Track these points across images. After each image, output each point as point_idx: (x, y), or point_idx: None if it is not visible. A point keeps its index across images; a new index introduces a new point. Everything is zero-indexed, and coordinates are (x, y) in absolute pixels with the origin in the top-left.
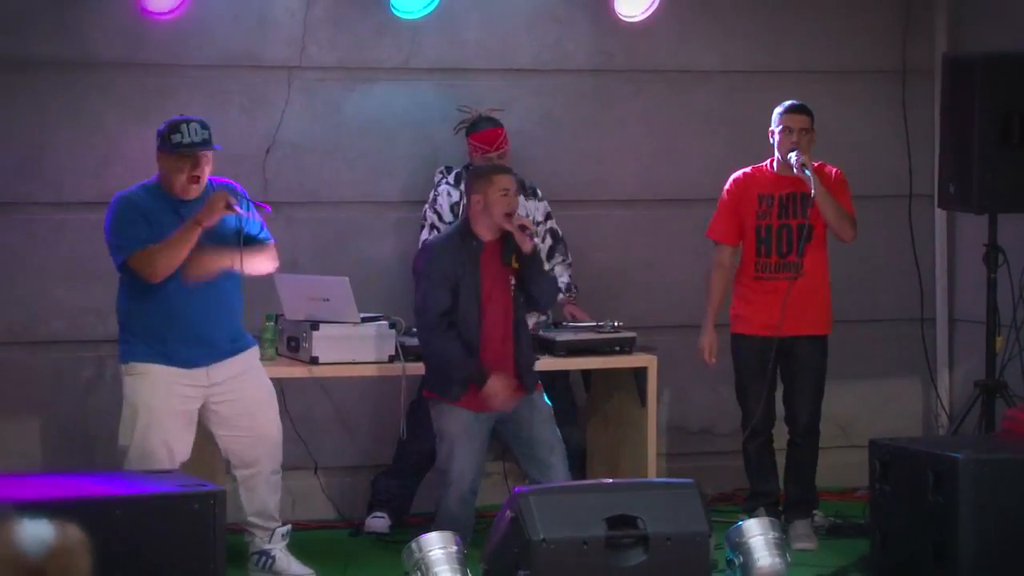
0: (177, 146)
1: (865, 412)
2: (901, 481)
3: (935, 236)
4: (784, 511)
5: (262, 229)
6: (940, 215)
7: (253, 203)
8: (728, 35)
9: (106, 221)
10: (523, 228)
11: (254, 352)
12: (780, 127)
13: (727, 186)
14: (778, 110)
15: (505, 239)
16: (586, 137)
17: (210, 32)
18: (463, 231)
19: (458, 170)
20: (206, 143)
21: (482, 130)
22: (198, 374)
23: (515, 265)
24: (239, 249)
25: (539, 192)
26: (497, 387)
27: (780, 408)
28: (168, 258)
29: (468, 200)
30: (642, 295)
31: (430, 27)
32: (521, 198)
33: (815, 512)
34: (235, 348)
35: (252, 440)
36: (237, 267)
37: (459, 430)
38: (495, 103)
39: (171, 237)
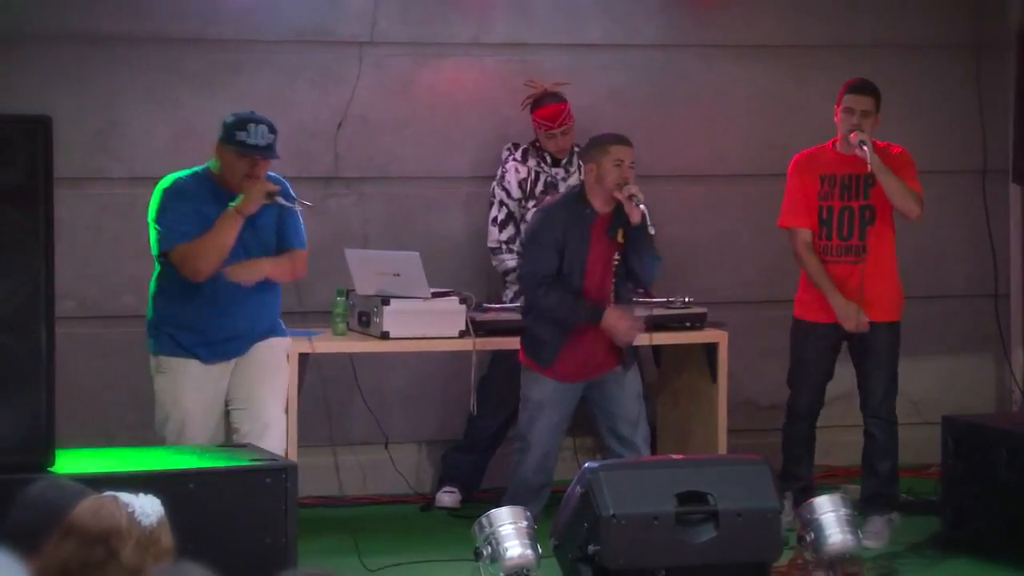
0: (240, 144)
1: (938, 388)
2: (974, 458)
3: (1009, 211)
4: (861, 504)
5: (297, 232)
6: (1015, 190)
7: (296, 200)
8: (799, 9)
9: (151, 204)
10: (631, 197)
11: (276, 343)
12: (843, 106)
13: (789, 169)
14: (843, 88)
15: (617, 212)
16: (655, 112)
17: (281, 7)
18: (578, 198)
19: (525, 146)
20: (270, 150)
21: (545, 106)
22: (226, 365)
23: (620, 240)
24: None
25: None
26: (614, 318)
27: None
28: (212, 256)
29: (584, 169)
30: (712, 271)
31: (499, 2)
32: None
33: (892, 513)
34: (260, 336)
35: (252, 425)
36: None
37: (543, 398)
38: (564, 78)
39: (211, 233)
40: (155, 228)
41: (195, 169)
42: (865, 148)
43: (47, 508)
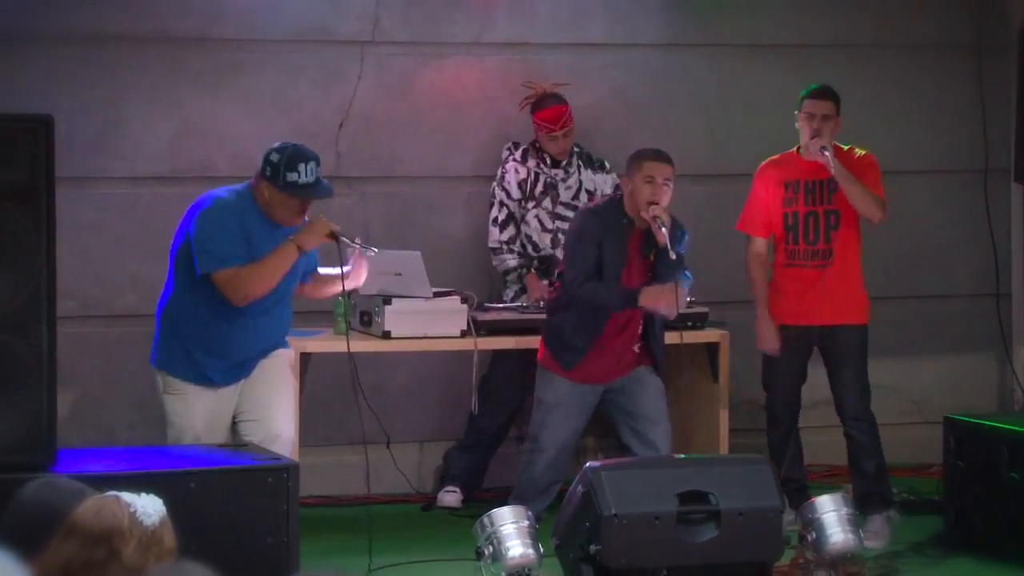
0: (291, 186)
1: (939, 388)
2: (975, 457)
3: (1011, 210)
4: (857, 505)
5: (315, 259)
6: (1016, 189)
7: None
8: (801, 9)
9: (197, 221)
10: (655, 219)
11: (282, 354)
12: (803, 111)
13: (754, 175)
14: (802, 93)
15: (651, 231)
16: (656, 112)
17: (283, 7)
18: (617, 207)
19: (525, 147)
20: (322, 187)
21: (546, 108)
22: (237, 386)
23: (652, 259)
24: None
25: (607, 165)
26: (653, 295)
27: (804, 397)
28: (262, 284)
29: (621, 181)
30: (714, 270)
31: (501, 2)
32: (589, 172)
33: (890, 511)
34: (269, 351)
35: (263, 437)
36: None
37: (557, 400)
38: (565, 78)
39: (267, 260)
40: (205, 246)
41: (236, 189)
42: (827, 154)
43: (43, 508)
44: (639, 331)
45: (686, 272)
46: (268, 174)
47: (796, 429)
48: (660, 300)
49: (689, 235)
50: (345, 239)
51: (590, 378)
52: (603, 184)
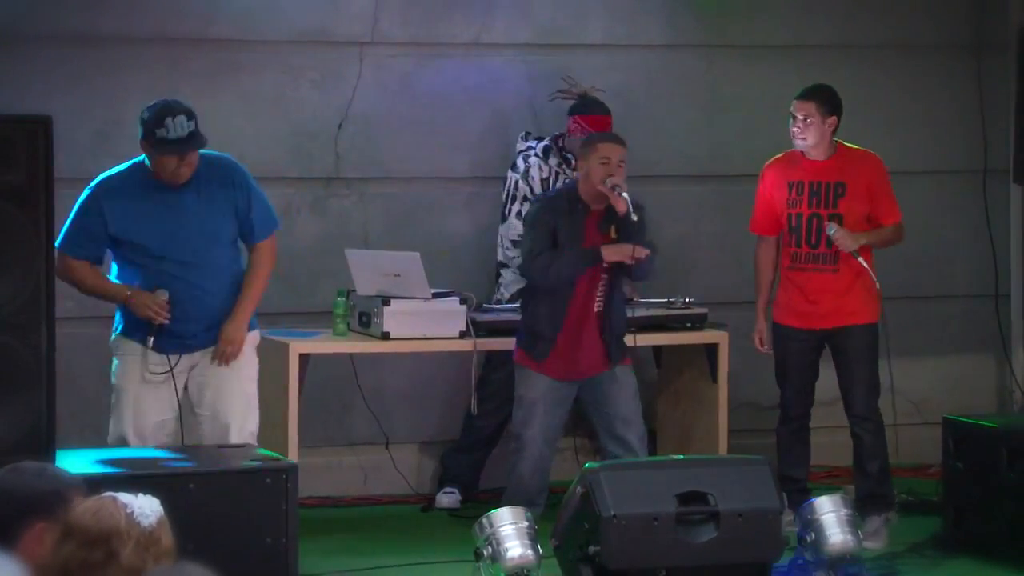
0: (161, 143)
1: (938, 389)
2: (974, 458)
3: (1010, 211)
4: (857, 506)
5: (265, 221)
6: (1016, 190)
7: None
8: (800, 9)
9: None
10: (614, 188)
11: (244, 352)
12: (790, 111)
13: (760, 174)
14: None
15: (608, 209)
16: (656, 112)
17: (282, 8)
18: (571, 193)
19: (547, 143)
20: (193, 138)
21: (595, 114)
22: (171, 357)
23: (613, 236)
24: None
25: None
26: (613, 249)
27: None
28: (78, 288)
29: (577, 166)
30: (713, 271)
31: (501, 2)
32: None
33: (889, 513)
34: (211, 338)
35: (219, 432)
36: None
37: (537, 396)
38: (563, 79)
39: (101, 289)
40: (67, 225)
41: (134, 162)
42: (857, 257)
43: (6, 495)
44: (599, 312)
45: (652, 243)
46: (140, 134)
47: (806, 428)
48: (622, 252)
49: (646, 211)
50: (161, 319)
51: (566, 373)
52: None
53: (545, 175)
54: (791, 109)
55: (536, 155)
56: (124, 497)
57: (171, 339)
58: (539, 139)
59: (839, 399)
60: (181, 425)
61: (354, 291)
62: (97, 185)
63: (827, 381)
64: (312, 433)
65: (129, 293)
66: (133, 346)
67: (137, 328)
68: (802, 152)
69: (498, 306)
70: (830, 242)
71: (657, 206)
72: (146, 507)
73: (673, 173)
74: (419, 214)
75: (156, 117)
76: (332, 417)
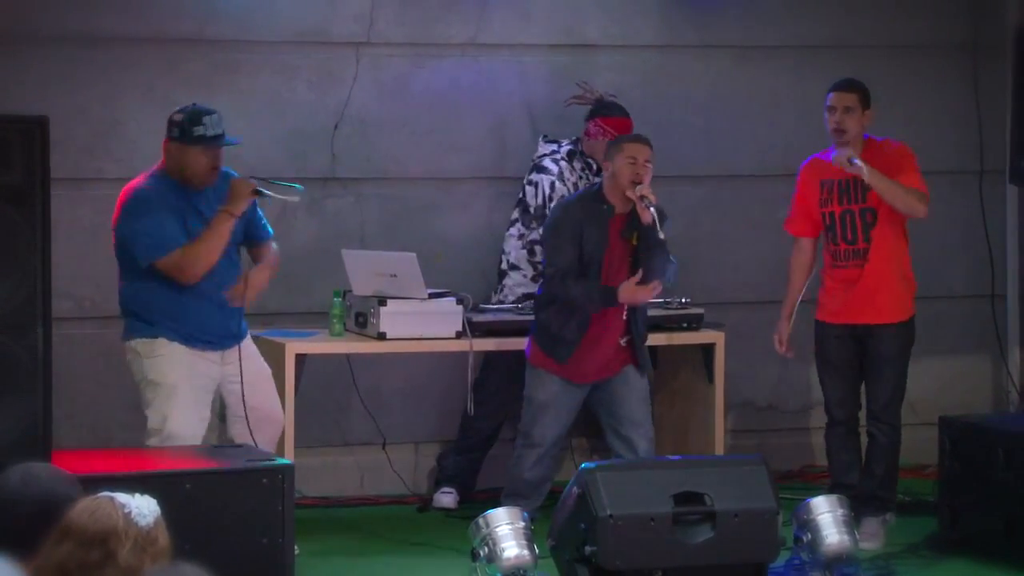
0: (200, 139)
1: (934, 389)
2: (970, 458)
3: (1006, 212)
4: (856, 505)
5: (265, 223)
6: (1012, 191)
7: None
8: (796, 10)
9: (123, 218)
10: (642, 198)
11: (249, 338)
12: (827, 105)
13: (798, 174)
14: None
15: (633, 213)
16: (652, 113)
17: (279, 8)
18: (596, 194)
19: (570, 146)
20: (225, 137)
21: (617, 117)
22: (214, 356)
23: (635, 242)
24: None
25: None
26: (629, 291)
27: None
28: (207, 258)
29: (603, 166)
30: (710, 271)
31: (498, 2)
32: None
33: (887, 514)
34: (240, 334)
35: (256, 421)
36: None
37: (547, 397)
38: (561, 79)
39: (205, 236)
40: (141, 240)
41: (152, 173)
42: (856, 162)
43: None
44: (624, 320)
45: (670, 257)
46: (176, 134)
47: (854, 432)
48: (637, 295)
49: (671, 220)
50: (267, 191)
51: (583, 375)
52: None
53: (573, 180)
54: (828, 102)
55: (564, 159)
56: (122, 497)
57: (208, 336)
58: (556, 141)
59: None
60: (221, 422)
61: (350, 291)
62: (142, 194)
63: None
64: (308, 433)
65: (221, 207)
66: (176, 346)
67: (182, 327)
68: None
69: (495, 306)
70: (867, 236)
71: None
72: (144, 507)
73: (670, 174)
74: (415, 214)
75: (193, 116)
76: (329, 417)
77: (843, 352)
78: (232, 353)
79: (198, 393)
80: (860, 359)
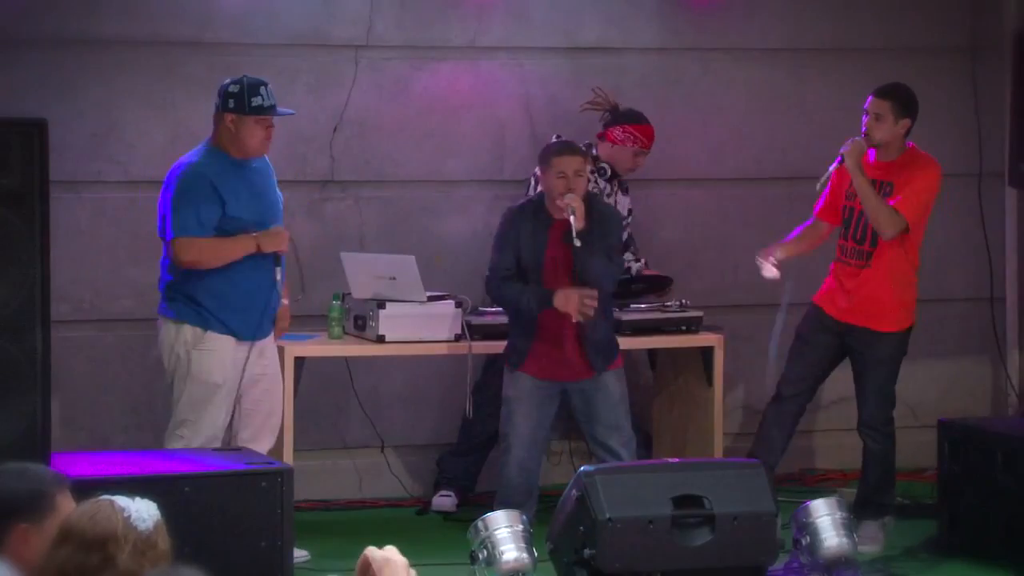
0: (258, 109)
1: (934, 392)
2: (970, 461)
3: (1005, 214)
4: (854, 509)
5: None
6: (1011, 193)
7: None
8: (796, 12)
9: (172, 187)
10: (567, 207)
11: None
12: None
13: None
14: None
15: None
16: (652, 116)
17: (277, 11)
18: (538, 202)
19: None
20: (277, 107)
21: (643, 124)
22: (245, 346)
23: (577, 244)
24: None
25: (627, 187)
26: (563, 298)
27: (817, 398)
28: (209, 263)
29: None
30: (709, 274)
31: (496, 5)
32: (619, 193)
33: (885, 518)
34: (271, 325)
35: (263, 416)
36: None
37: (518, 395)
38: (560, 82)
39: (225, 244)
40: (172, 216)
41: (203, 149)
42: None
43: None
44: (577, 322)
45: (615, 262)
46: (233, 105)
47: (792, 414)
48: (570, 303)
49: (628, 222)
50: (281, 268)
51: (550, 373)
52: (622, 207)
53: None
54: (866, 105)
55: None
56: (121, 501)
57: (252, 329)
58: None
59: (842, 401)
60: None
61: (349, 294)
62: (196, 170)
63: (832, 382)
64: (307, 436)
65: (256, 234)
66: (225, 341)
67: (231, 318)
68: (875, 149)
69: (493, 309)
70: (875, 240)
71: (652, 209)
72: (143, 511)
73: (669, 177)
74: (414, 217)
75: (250, 88)
76: (327, 420)
77: (822, 337)
78: (260, 344)
79: (232, 394)
80: (836, 356)
